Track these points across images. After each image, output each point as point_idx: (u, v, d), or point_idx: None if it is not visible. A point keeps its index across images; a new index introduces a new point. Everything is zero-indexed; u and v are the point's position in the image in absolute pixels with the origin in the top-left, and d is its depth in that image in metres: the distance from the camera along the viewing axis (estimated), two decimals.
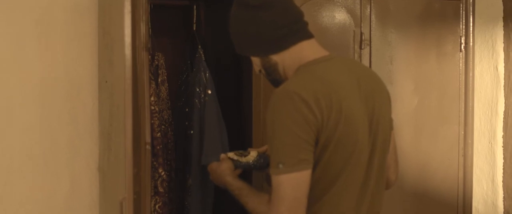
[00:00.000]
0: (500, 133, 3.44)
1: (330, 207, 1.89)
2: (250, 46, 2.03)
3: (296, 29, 1.96)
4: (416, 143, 3.27)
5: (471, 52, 3.34)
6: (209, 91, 2.76)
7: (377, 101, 1.97)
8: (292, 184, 1.76)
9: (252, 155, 2.27)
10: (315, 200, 1.86)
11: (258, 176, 2.70)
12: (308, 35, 2.00)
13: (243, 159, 2.24)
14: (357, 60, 3.08)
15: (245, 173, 2.29)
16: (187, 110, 2.89)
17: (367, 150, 1.93)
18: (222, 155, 2.29)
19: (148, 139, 2.48)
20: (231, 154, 2.29)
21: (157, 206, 2.66)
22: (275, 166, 1.77)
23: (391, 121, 2.11)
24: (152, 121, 2.59)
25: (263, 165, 2.25)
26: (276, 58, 1.99)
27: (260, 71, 2.12)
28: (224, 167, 2.18)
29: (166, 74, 2.83)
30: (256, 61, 2.08)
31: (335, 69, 1.93)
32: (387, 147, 2.06)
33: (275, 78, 2.05)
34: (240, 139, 3.18)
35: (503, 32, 3.41)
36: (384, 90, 2.09)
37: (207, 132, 2.72)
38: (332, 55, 1.99)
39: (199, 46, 2.91)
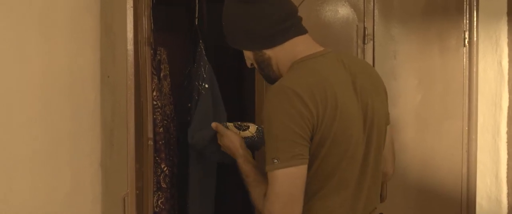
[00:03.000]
0: (504, 129, 3.42)
1: (326, 202, 1.91)
2: (244, 41, 2.03)
3: (290, 25, 1.97)
4: (419, 138, 3.27)
5: (475, 47, 3.33)
6: (206, 86, 2.75)
7: (372, 96, 1.98)
8: (287, 179, 1.77)
9: (251, 130, 2.28)
10: (310, 195, 1.87)
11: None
12: (302, 31, 2.01)
13: (242, 133, 2.26)
14: (356, 55, 3.08)
15: None
16: (189, 105, 2.88)
17: (362, 145, 1.93)
18: (220, 125, 2.33)
19: (150, 134, 2.47)
20: (230, 125, 2.30)
21: (159, 202, 2.65)
22: (270, 162, 1.78)
23: (387, 115, 2.12)
24: (155, 116, 2.58)
25: (261, 140, 2.27)
26: (269, 53, 2.00)
27: (251, 65, 2.12)
28: (237, 144, 2.20)
29: (168, 69, 2.81)
30: (248, 55, 2.09)
31: (329, 65, 1.94)
32: (382, 142, 2.06)
33: (268, 73, 2.06)
34: None
35: (507, 27, 3.39)
36: (381, 84, 2.10)
37: (196, 116, 2.70)
38: (327, 50, 1.99)
39: (200, 41, 2.90)
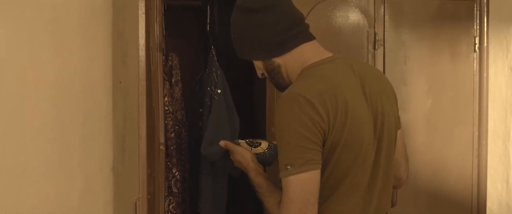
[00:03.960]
0: None
1: (337, 206, 1.92)
2: (253, 50, 2.05)
3: (298, 32, 1.98)
4: (430, 143, 3.27)
5: (485, 52, 3.32)
6: (219, 91, 2.76)
7: (381, 101, 1.99)
8: (301, 185, 1.78)
9: (262, 147, 2.30)
10: (322, 199, 1.88)
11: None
12: (310, 37, 2.02)
13: (254, 150, 2.28)
14: (367, 60, 3.08)
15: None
16: (201, 110, 2.89)
17: (372, 150, 1.95)
18: (229, 143, 2.35)
19: (162, 139, 2.48)
20: (242, 142, 2.33)
21: (171, 207, 2.66)
22: (284, 168, 1.79)
23: (398, 119, 2.13)
24: (166, 122, 2.59)
25: (273, 156, 2.29)
26: (279, 61, 2.02)
27: (262, 75, 2.14)
28: (249, 158, 2.23)
29: (180, 74, 2.83)
30: (258, 65, 2.11)
31: (339, 71, 1.95)
32: (393, 147, 2.07)
33: (279, 81, 2.08)
34: (253, 135, 3.19)
35: None
36: (390, 89, 2.11)
37: (210, 124, 2.72)
38: (335, 56, 2.01)
39: (212, 47, 2.91)
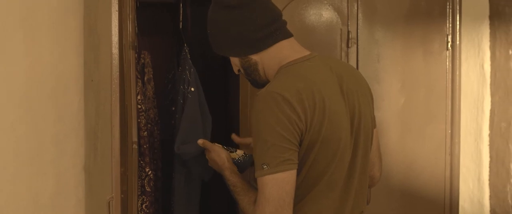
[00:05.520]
0: (486, 132, 3.44)
1: (313, 205, 1.91)
2: (230, 46, 2.03)
3: (275, 29, 1.98)
4: (402, 141, 3.28)
5: (457, 50, 3.34)
6: (192, 89, 2.74)
7: (358, 100, 1.99)
8: (276, 184, 1.77)
9: (237, 153, 2.30)
10: (298, 199, 1.88)
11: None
12: (287, 35, 2.02)
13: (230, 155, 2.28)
14: (340, 58, 3.09)
15: None
16: (173, 108, 2.88)
17: (349, 148, 1.95)
18: (207, 142, 2.33)
19: (135, 138, 2.46)
20: (218, 145, 2.32)
21: (144, 206, 2.64)
22: (260, 168, 1.78)
23: (373, 118, 2.13)
24: (139, 120, 2.57)
25: (247, 163, 2.28)
26: (255, 58, 2.01)
27: (239, 71, 2.13)
28: (224, 157, 2.20)
29: (152, 72, 2.81)
30: (235, 62, 2.09)
31: (316, 69, 1.94)
32: (369, 145, 2.08)
33: (255, 78, 2.07)
34: (227, 134, 3.18)
35: (489, 30, 3.41)
36: (366, 88, 2.11)
37: (183, 123, 2.71)
38: (313, 54, 2.00)
39: (185, 45, 2.90)
